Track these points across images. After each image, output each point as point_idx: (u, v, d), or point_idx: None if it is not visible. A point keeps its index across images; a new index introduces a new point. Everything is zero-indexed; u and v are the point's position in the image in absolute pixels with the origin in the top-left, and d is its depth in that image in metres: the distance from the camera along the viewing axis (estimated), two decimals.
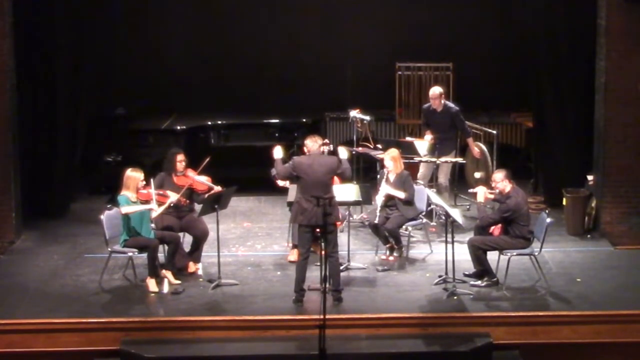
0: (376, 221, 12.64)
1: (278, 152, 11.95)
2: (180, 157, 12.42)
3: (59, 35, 14.26)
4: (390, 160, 12.94)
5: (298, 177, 11.46)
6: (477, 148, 14.47)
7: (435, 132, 14.37)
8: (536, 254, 11.85)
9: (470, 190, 12.66)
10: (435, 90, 14.44)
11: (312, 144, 11.66)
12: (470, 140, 14.47)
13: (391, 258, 12.76)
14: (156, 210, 11.88)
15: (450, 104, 14.43)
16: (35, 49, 14.04)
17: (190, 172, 12.43)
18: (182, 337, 10.97)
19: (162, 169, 12.55)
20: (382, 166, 13.21)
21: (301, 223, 11.37)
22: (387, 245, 12.84)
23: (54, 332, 10.94)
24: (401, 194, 12.72)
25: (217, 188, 12.26)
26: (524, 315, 11.16)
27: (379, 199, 12.75)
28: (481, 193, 12.11)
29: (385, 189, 12.78)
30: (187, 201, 12.39)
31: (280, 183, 12.87)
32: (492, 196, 12.11)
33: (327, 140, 12.16)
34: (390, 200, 12.78)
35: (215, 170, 12.98)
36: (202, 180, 12.37)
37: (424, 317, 11.17)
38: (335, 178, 12.01)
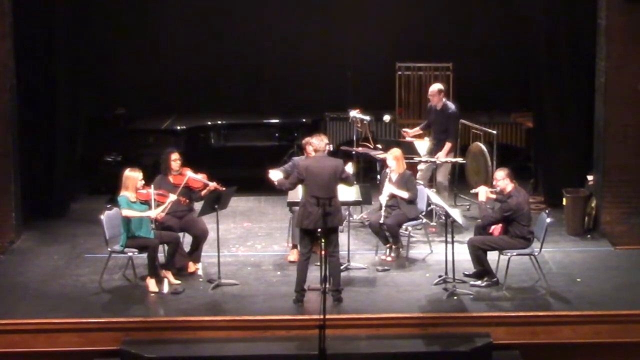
0: (381, 221, 12.59)
1: (275, 174, 12.01)
2: (175, 157, 12.41)
3: (58, 36, 14.26)
4: (393, 159, 12.93)
5: (303, 181, 11.44)
6: (451, 158, 14.29)
7: (433, 132, 14.39)
8: (536, 254, 11.85)
9: (472, 191, 12.65)
10: (434, 87, 14.46)
11: (318, 142, 11.64)
12: (448, 145, 14.14)
13: (389, 259, 12.74)
14: (153, 215, 11.86)
15: (450, 105, 14.40)
16: (35, 49, 14.04)
17: (186, 170, 12.42)
18: (182, 337, 10.97)
19: (159, 170, 12.54)
20: (385, 166, 13.17)
21: (307, 227, 11.34)
22: (387, 245, 12.83)
23: (54, 332, 10.94)
24: (404, 194, 12.71)
25: (212, 184, 12.27)
26: (524, 315, 11.16)
27: (383, 199, 12.73)
28: (482, 192, 12.11)
29: (389, 189, 12.75)
30: (187, 200, 12.39)
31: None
32: (493, 196, 12.11)
33: (327, 141, 12.15)
34: (391, 199, 12.76)
35: (215, 170, 13.00)
36: (197, 178, 12.38)
37: (424, 317, 11.18)
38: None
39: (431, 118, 14.51)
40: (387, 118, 15.07)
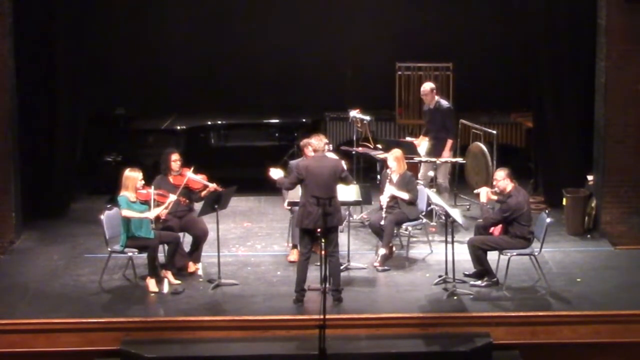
0: (382, 222, 12.55)
1: (276, 173, 11.99)
2: (175, 157, 12.42)
3: (58, 35, 14.25)
4: (394, 160, 12.90)
5: (303, 181, 11.44)
6: (451, 158, 14.26)
7: (430, 131, 14.39)
8: (536, 254, 11.85)
9: (475, 191, 12.64)
10: (425, 86, 14.47)
11: (318, 142, 11.64)
12: (449, 143, 14.21)
13: (376, 264, 12.55)
14: (152, 216, 11.85)
15: (443, 102, 14.40)
16: (35, 49, 14.03)
17: (186, 171, 12.42)
18: (182, 337, 10.97)
19: (159, 170, 12.54)
20: (385, 166, 13.15)
21: (307, 227, 11.33)
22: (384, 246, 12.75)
23: (54, 332, 10.94)
24: (405, 195, 12.67)
25: (212, 185, 12.28)
26: (524, 315, 11.16)
27: (384, 200, 12.70)
28: (484, 193, 12.12)
29: (389, 190, 12.72)
30: (187, 200, 12.40)
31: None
32: (495, 197, 12.10)
33: (326, 140, 12.15)
34: (392, 200, 12.73)
35: (215, 170, 13.00)
36: (197, 179, 12.38)
37: (424, 317, 11.18)
38: None
39: (427, 117, 14.51)
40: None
